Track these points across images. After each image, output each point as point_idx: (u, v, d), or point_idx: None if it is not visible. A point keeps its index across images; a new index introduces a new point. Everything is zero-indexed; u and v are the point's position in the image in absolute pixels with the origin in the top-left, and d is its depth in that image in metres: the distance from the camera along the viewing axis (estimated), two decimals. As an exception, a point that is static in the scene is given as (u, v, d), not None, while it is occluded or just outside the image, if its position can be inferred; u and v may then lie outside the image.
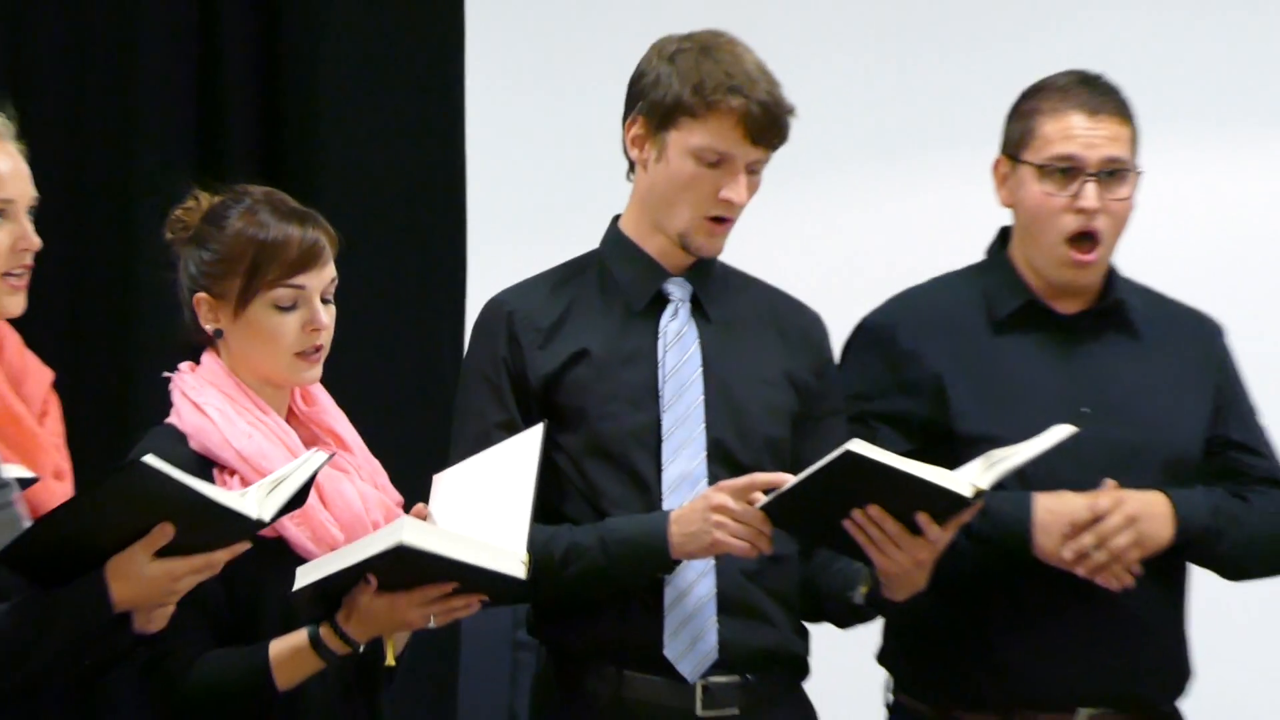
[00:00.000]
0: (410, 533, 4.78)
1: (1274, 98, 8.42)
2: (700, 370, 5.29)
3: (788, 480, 5.01)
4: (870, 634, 5.59)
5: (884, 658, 5.62)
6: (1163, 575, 5.40)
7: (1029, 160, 5.49)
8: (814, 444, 5.26)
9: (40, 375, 5.27)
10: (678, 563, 5.16)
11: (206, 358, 5.02)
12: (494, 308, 5.50)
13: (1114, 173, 5.45)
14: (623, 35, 6.36)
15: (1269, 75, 8.40)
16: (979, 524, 5.24)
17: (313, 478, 4.76)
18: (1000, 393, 5.45)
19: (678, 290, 5.36)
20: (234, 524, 4.58)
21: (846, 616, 5.38)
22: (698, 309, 5.36)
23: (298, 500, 4.71)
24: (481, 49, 7.92)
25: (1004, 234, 5.63)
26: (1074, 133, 5.50)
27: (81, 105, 7.45)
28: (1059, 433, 5.08)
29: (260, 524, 4.60)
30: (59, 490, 5.03)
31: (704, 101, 5.25)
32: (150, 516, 4.51)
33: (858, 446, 4.90)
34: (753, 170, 5.28)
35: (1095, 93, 5.55)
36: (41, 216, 5.01)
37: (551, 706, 5.39)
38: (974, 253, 5.75)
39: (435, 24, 7.86)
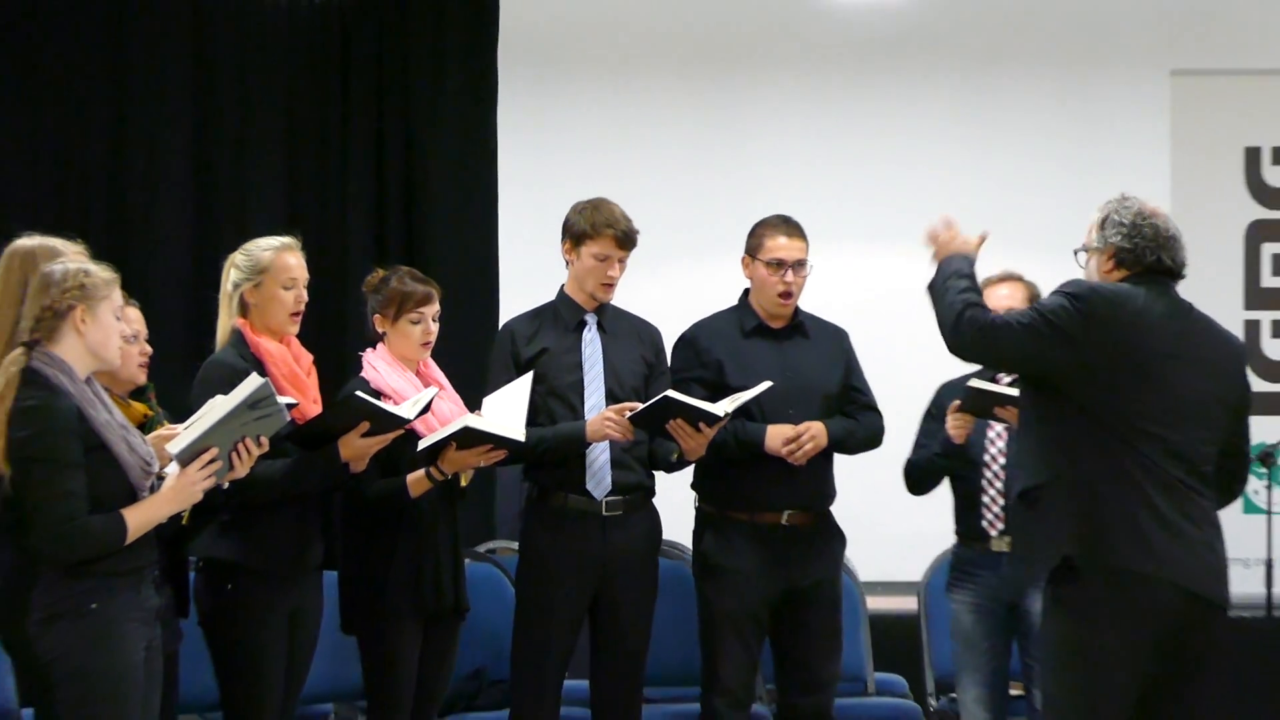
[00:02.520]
0: (470, 421, 5.66)
1: (882, 224, 8.87)
2: (601, 356, 6.16)
3: (640, 406, 5.92)
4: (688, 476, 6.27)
5: (694, 484, 6.32)
6: (823, 451, 6.17)
7: (760, 259, 6.24)
8: (654, 389, 6.09)
9: (306, 356, 5.71)
10: (589, 445, 6.02)
11: (380, 346, 5.88)
12: (505, 328, 6.34)
13: (799, 265, 6.24)
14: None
15: (878, 210, 8.93)
16: (742, 436, 6.11)
17: (431, 401, 5.60)
18: (747, 367, 6.18)
19: (590, 319, 6.19)
20: (396, 422, 5.46)
21: (668, 468, 6.18)
22: (600, 327, 6.19)
23: (424, 410, 5.57)
24: (510, 198, 8.59)
25: (746, 292, 6.33)
26: (780, 247, 6.23)
27: (325, 231, 8.31)
28: (761, 386, 5.97)
29: (407, 421, 5.48)
30: (314, 409, 5.53)
31: (596, 231, 6.09)
32: (357, 419, 5.42)
33: (671, 394, 5.87)
34: (621, 261, 6.14)
35: (790, 226, 6.27)
36: (312, 290, 5.75)
37: (533, 511, 6.18)
38: (731, 299, 6.40)
39: (478, 191, 8.38)
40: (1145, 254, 4.97)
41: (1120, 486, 4.77)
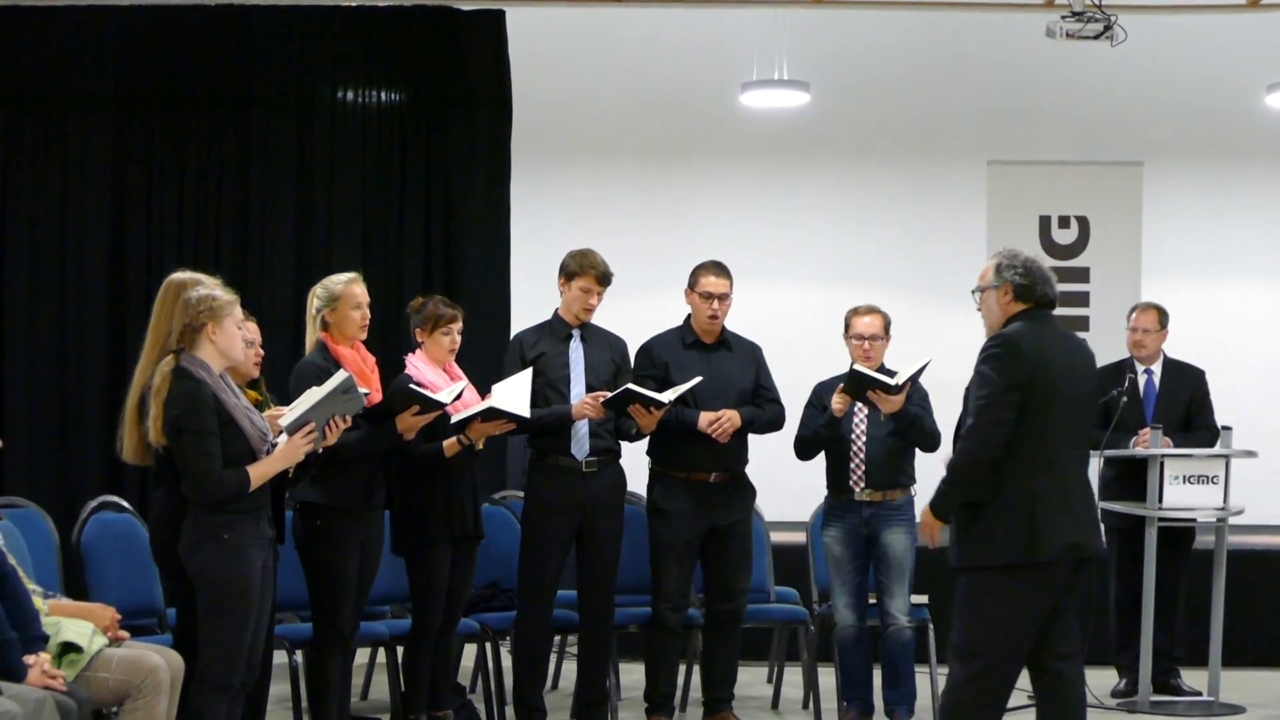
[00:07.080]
0: (493, 402, 5.57)
1: (796, 262, 8.96)
2: (583, 359, 6.02)
3: (609, 395, 5.84)
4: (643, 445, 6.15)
5: (648, 451, 6.19)
6: (738, 429, 6.01)
7: (696, 292, 6.11)
8: (619, 382, 5.95)
9: (370, 357, 5.58)
10: (574, 421, 5.90)
11: (419, 350, 5.75)
12: (515, 337, 6.19)
13: (724, 297, 6.08)
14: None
15: (782, 258, 8.93)
16: (681, 418, 5.91)
17: (461, 391, 5.54)
18: (686, 370, 6.05)
19: (576, 332, 6.05)
20: (437, 406, 5.42)
21: (629, 439, 6.06)
22: (582, 338, 6.05)
23: (456, 398, 5.50)
24: (518, 247, 8.50)
25: (688, 316, 6.15)
26: (710, 284, 6.08)
27: (388, 270, 8.23)
28: (693, 381, 5.91)
29: (446, 405, 5.41)
30: (377, 396, 5.43)
31: (582, 271, 5.96)
32: (410, 404, 5.40)
33: (631, 386, 5.82)
34: (599, 294, 6.00)
35: (719, 268, 6.12)
36: (375, 311, 5.67)
37: (534, 467, 6.04)
38: (678, 321, 6.23)
39: (496, 243, 8.23)
40: (1037, 287, 4.61)
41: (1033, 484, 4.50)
